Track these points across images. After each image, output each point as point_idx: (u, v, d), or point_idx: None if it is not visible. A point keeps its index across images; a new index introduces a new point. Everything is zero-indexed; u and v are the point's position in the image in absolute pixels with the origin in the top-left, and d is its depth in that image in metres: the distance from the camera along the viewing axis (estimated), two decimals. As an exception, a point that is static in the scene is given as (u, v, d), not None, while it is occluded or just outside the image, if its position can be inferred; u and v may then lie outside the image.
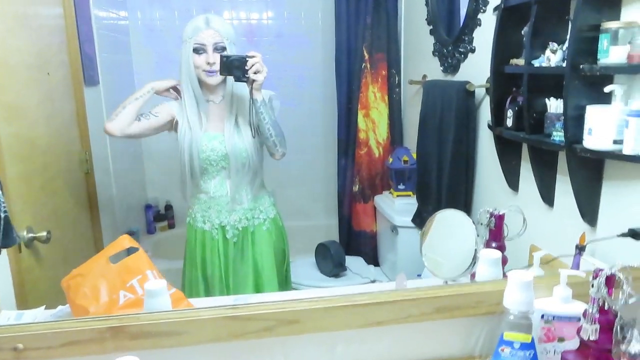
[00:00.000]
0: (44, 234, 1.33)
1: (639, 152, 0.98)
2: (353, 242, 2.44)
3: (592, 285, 0.72)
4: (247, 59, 1.39)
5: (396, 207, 2.12)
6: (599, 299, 0.72)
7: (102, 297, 1.06)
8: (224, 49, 1.46)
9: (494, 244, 1.00)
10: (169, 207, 2.95)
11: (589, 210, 1.14)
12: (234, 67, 1.39)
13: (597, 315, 0.73)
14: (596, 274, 0.72)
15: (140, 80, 2.84)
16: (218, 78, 1.46)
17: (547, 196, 1.30)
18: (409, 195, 2.14)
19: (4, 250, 1.20)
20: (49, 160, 1.52)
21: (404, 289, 0.82)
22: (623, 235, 1.01)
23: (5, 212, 0.98)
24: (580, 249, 1.11)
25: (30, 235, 1.31)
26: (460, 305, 0.85)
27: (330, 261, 2.09)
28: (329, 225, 2.73)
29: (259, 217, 1.59)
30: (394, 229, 2.05)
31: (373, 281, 2.08)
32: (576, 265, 1.11)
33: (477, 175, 1.68)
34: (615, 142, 1.02)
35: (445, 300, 0.83)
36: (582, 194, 1.14)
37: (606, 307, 0.72)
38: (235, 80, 1.42)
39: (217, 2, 2.86)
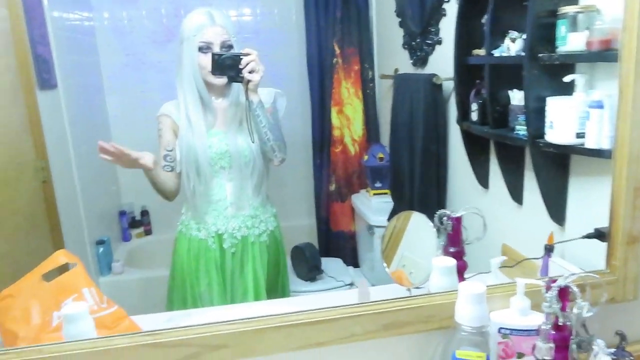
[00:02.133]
0: (-17, 250, 1.25)
1: (602, 145, 0.91)
2: (332, 243, 2.37)
3: (545, 300, 0.65)
4: (241, 57, 1.27)
5: (372, 206, 2.05)
6: (552, 314, 0.65)
7: (34, 320, 0.98)
8: (231, 47, 1.33)
9: (451, 249, 0.93)
10: (145, 213, 2.86)
11: (556, 209, 1.08)
12: (226, 66, 1.27)
13: (552, 332, 0.66)
14: (548, 285, 0.65)
15: (109, 80, 2.75)
16: (224, 79, 1.33)
17: (516, 194, 1.23)
18: (386, 194, 2.07)
19: None
20: (-7, 171, 1.43)
21: (345, 305, 0.74)
22: (588, 236, 0.94)
23: None
24: (549, 250, 1.04)
25: (-30, 252, 1.23)
26: (410, 320, 0.77)
27: (306, 264, 2.02)
28: (307, 225, 2.66)
29: (259, 227, 1.46)
30: (370, 228, 1.98)
31: (350, 284, 2.00)
32: (545, 268, 1.04)
33: (449, 173, 1.61)
34: (578, 135, 0.95)
35: (392, 315, 0.76)
36: (549, 192, 1.08)
37: (560, 323, 0.65)
38: (229, 81, 1.31)
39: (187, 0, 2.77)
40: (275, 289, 1.54)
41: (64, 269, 1.06)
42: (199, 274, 1.44)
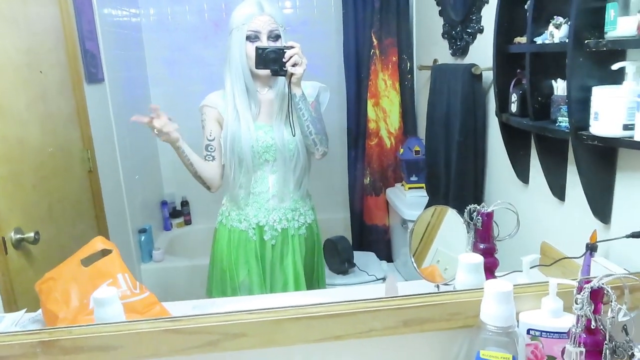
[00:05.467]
0: (32, 234, 1.31)
1: (653, 138, 0.84)
2: (365, 237, 2.35)
3: (576, 301, 0.61)
4: (284, 50, 1.27)
5: (407, 200, 2.02)
6: (584, 317, 0.61)
7: (73, 302, 1.02)
8: (278, 37, 1.34)
9: (481, 246, 0.89)
10: (185, 203, 2.94)
11: (600, 206, 1.01)
12: (270, 60, 1.27)
13: (583, 336, 0.62)
14: (580, 287, 0.61)
15: (154, 74, 2.84)
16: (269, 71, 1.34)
17: (557, 189, 1.16)
18: (422, 188, 2.02)
19: (-13, 253, 1.19)
20: (42, 159, 1.50)
21: (364, 300, 0.73)
22: (634, 235, 0.88)
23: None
24: (591, 249, 0.98)
25: (19, 236, 1.30)
26: (432, 317, 0.75)
27: (338, 258, 2.01)
28: (342, 218, 2.65)
29: (299, 220, 1.47)
30: (404, 223, 1.94)
31: (382, 279, 1.98)
32: (586, 268, 0.98)
33: (487, 167, 1.55)
34: (625, 127, 0.88)
35: (413, 312, 0.74)
36: (593, 187, 1.01)
37: (593, 327, 0.61)
38: (272, 74, 1.31)
39: (229, -5, 2.80)
40: (311, 281, 1.54)
41: (106, 254, 1.10)
42: (238, 265, 1.45)
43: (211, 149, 1.43)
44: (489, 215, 0.88)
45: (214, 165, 1.44)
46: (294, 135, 1.37)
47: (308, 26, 2.76)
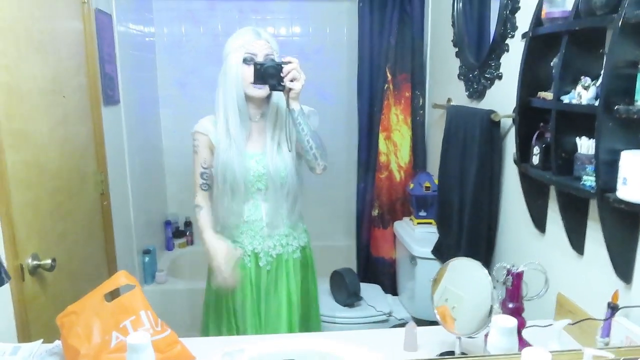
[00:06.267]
0: (49, 261, 1.30)
1: (681, 207, 0.87)
2: (371, 269, 2.36)
3: (620, 378, 0.62)
4: (282, 65, 1.29)
5: (416, 235, 2.03)
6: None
7: (95, 338, 1.02)
8: (273, 62, 1.35)
9: (510, 305, 0.91)
10: (188, 224, 2.93)
11: (623, 265, 1.03)
12: (268, 75, 1.29)
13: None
14: (624, 365, 0.62)
15: (165, 95, 2.85)
16: (265, 91, 1.35)
17: (577, 243, 1.18)
18: (430, 224, 2.04)
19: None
20: (59, 184, 1.50)
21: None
22: (660, 301, 0.89)
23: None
24: (613, 308, 0.99)
25: (35, 262, 1.29)
26: (468, 380, 0.75)
27: (345, 290, 2.01)
28: (345, 247, 2.65)
29: (292, 244, 1.48)
30: (413, 259, 1.95)
31: (388, 314, 1.98)
32: (607, 327, 0.99)
33: (501, 211, 1.57)
34: (654, 194, 0.91)
35: (451, 375, 0.74)
36: (616, 247, 1.03)
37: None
38: (271, 89, 1.32)
39: (242, 18, 2.84)
40: (307, 301, 1.54)
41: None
42: (234, 290, 1.45)
43: (206, 177, 1.46)
44: (519, 275, 0.90)
45: (207, 196, 1.47)
46: (290, 150, 1.39)
47: (320, 54, 2.80)
